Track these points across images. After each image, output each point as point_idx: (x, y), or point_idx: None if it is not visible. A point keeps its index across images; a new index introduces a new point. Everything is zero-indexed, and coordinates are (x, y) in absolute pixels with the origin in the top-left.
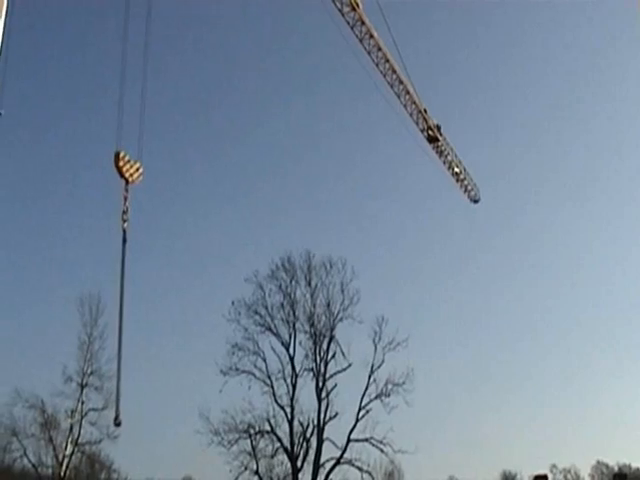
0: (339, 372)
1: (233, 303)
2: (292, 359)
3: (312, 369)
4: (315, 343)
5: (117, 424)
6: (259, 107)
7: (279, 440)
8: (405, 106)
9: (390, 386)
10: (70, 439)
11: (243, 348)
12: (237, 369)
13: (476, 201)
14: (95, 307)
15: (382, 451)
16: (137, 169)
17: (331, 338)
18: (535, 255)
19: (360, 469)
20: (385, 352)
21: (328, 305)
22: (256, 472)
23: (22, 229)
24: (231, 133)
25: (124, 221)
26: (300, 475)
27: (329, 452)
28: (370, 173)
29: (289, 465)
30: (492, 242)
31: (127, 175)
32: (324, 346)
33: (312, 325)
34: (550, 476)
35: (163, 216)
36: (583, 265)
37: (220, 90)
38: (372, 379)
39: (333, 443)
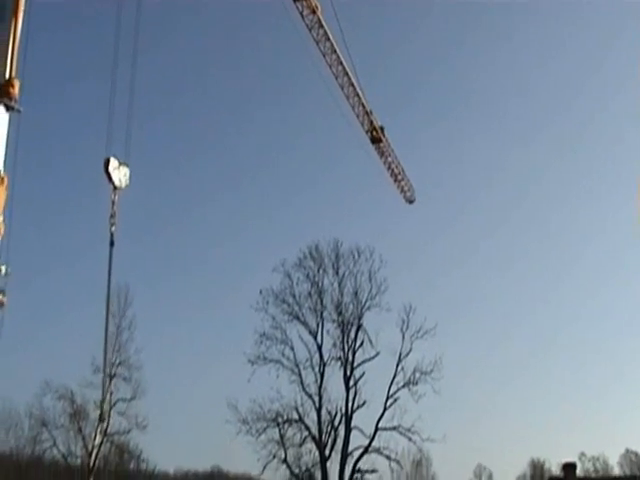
0: (367, 361)
1: (261, 292)
2: (320, 348)
3: (340, 358)
4: (343, 332)
5: (102, 420)
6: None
7: (307, 429)
8: (353, 107)
9: (418, 374)
10: (99, 429)
11: (271, 337)
12: (265, 358)
13: (411, 201)
14: (123, 298)
15: (410, 439)
16: (124, 174)
17: (359, 326)
18: (569, 243)
19: (388, 457)
20: (413, 340)
21: (356, 293)
22: (284, 461)
23: (52, 222)
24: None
25: (112, 224)
26: (328, 464)
27: (357, 441)
28: None
29: (317, 454)
30: (529, 232)
31: (116, 180)
32: (352, 335)
33: (340, 314)
34: (579, 464)
35: (190, 209)
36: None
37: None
38: (400, 367)
39: (361, 432)
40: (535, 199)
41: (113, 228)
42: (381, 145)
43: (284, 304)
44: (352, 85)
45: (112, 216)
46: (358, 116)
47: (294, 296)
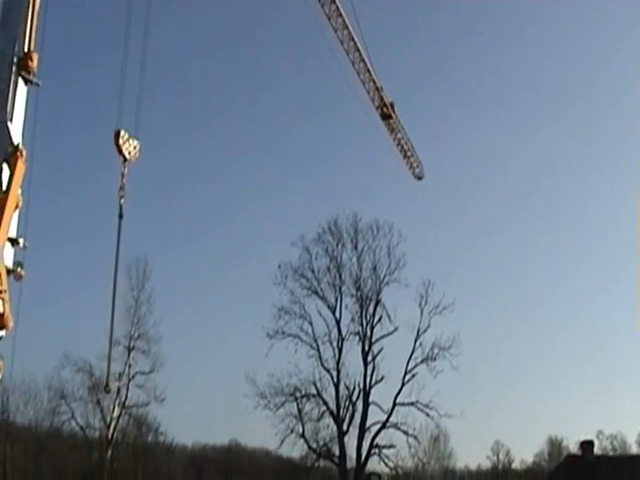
0: (385, 336)
1: (280, 267)
2: (338, 323)
3: (358, 333)
4: (361, 307)
5: (107, 391)
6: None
7: (325, 403)
8: (364, 83)
9: (436, 350)
10: (117, 402)
11: (289, 312)
12: (283, 332)
13: (420, 178)
14: (142, 271)
15: (428, 415)
16: (134, 147)
17: (377, 302)
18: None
19: (406, 433)
20: (431, 316)
21: (374, 269)
22: (302, 435)
23: (70, 194)
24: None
25: (121, 197)
26: (346, 438)
27: (375, 416)
28: None
29: (335, 428)
30: (549, 208)
31: (126, 153)
32: (370, 310)
33: (358, 289)
34: (596, 442)
35: (212, 182)
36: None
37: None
38: (418, 343)
39: (379, 407)
40: (550, 181)
41: (122, 200)
42: (391, 121)
43: (303, 279)
44: (363, 61)
45: (121, 188)
46: (369, 92)
47: (313, 271)
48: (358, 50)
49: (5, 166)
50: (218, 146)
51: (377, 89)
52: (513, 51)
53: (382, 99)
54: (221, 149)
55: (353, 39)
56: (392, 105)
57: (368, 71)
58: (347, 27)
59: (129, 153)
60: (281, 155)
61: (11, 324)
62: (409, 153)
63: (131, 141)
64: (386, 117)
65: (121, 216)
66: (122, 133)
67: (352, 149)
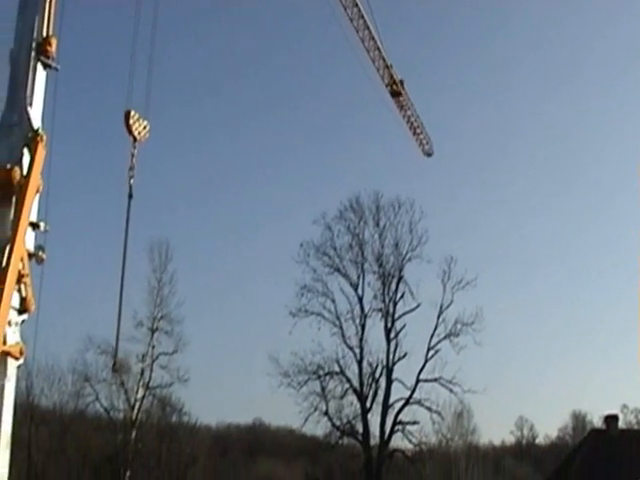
0: (408, 312)
1: (302, 245)
2: (361, 300)
3: (381, 310)
4: (384, 284)
5: (115, 370)
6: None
7: (348, 381)
8: (373, 61)
9: (459, 326)
10: (141, 383)
11: (312, 289)
12: (306, 311)
13: (429, 154)
14: (164, 253)
15: (451, 391)
16: (144, 127)
17: (400, 278)
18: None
19: (429, 409)
20: (454, 292)
21: (396, 245)
22: (325, 413)
23: (95, 175)
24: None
25: (130, 177)
26: (369, 416)
27: (398, 392)
28: None
29: (358, 406)
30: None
31: (135, 133)
32: (393, 286)
33: (380, 265)
34: (621, 416)
35: (234, 162)
36: None
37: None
38: (441, 319)
39: (402, 383)
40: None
41: (132, 180)
42: (400, 99)
43: (325, 256)
44: (373, 39)
45: (131, 169)
46: (378, 69)
47: (335, 248)
48: (368, 28)
49: (26, 151)
50: (236, 124)
51: (387, 67)
52: (520, 20)
53: (392, 76)
54: (238, 128)
55: (363, 16)
56: (402, 82)
57: (378, 49)
58: (357, 4)
59: (139, 133)
60: (297, 133)
61: (33, 308)
62: (418, 130)
63: (141, 121)
64: (396, 94)
65: (131, 196)
66: (132, 113)
67: (357, 126)
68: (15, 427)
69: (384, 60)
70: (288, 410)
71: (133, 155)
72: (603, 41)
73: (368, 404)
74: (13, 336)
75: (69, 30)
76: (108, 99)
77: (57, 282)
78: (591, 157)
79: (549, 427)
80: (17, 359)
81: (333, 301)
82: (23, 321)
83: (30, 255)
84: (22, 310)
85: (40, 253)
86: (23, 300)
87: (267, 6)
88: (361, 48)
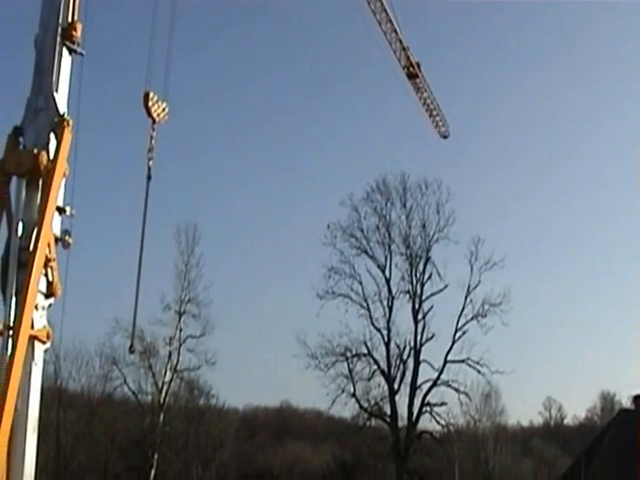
0: (435, 293)
1: (329, 227)
2: (388, 281)
3: (408, 291)
4: (411, 265)
5: (131, 352)
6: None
7: (376, 362)
8: (390, 43)
9: (486, 307)
10: (169, 366)
11: (339, 271)
12: (334, 292)
13: (445, 137)
14: (192, 236)
15: (479, 372)
16: (163, 109)
17: (427, 259)
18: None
19: (457, 390)
20: (481, 272)
21: (424, 226)
22: (353, 395)
23: (120, 161)
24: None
25: (149, 159)
26: (397, 397)
27: (426, 374)
28: None
29: (386, 387)
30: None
31: (155, 115)
32: (420, 268)
33: (408, 247)
34: None
35: (262, 146)
36: None
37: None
38: (468, 300)
39: (430, 365)
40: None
41: (151, 162)
42: (417, 81)
43: (352, 238)
44: (390, 22)
45: (150, 150)
46: (395, 52)
47: (362, 230)
48: (385, 11)
49: (52, 136)
50: (265, 110)
51: (404, 49)
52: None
53: (409, 58)
54: (268, 114)
55: (385, 9)
56: (418, 65)
57: (395, 31)
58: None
59: (158, 115)
60: (326, 117)
61: (59, 292)
62: (435, 112)
63: (160, 103)
64: (412, 76)
65: (149, 177)
66: (151, 95)
67: (392, 110)
68: (43, 411)
69: (401, 42)
70: (315, 392)
71: (152, 137)
72: None
73: (396, 386)
74: (40, 320)
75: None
76: (128, 86)
77: (85, 266)
78: (625, 139)
79: (577, 407)
80: (44, 343)
81: (360, 283)
82: (50, 305)
83: (56, 239)
84: (49, 294)
85: (67, 237)
86: (50, 284)
87: None
88: (379, 32)
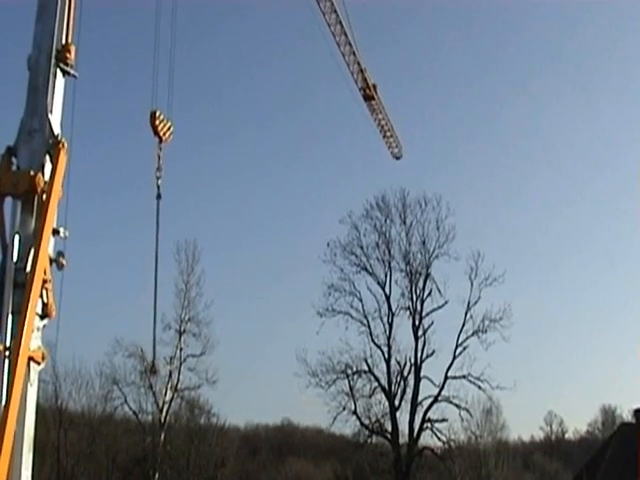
0: (435, 310)
1: (328, 244)
2: (388, 298)
3: (408, 307)
4: (411, 281)
5: (153, 372)
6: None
7: (377, 379)
8: (349, 65)
9: (487, 322)
10: (169, 385)
11: (339, 289)
12: (334, 310)
13: (398, 158)
14: (191, 254)
15: (480, 388)
16: (169, 128)
17: (427, 276)
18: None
19: (458, 406)
20: (481, 288)
21: (423, 243)
22: (354, 412)
23: (119, 176)
24: None
25: (158, 178)
26: (398, 414)
27: (427, 390)
28: None
29: (387, 404)
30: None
31: (161, 134)
32: (420, 284)
33: (408, 263)
34: None
35: (258, 163)
36: None
37: None
38: (469, 316)
39: (430, 381)
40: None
41: (159, 181)
42: (373, 103)
43: (352, 255)
44: (349, 44)
45: (158, 169)
46: (353, 73)
47: (362, 247)
48: (345, 34)
49: (47, 158)
50: (260, 123)
51: (361, 70)
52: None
53: (365, 80)
54: (265, 126)
55: (340, 22)
56: (375, 86)
57: (353, 53)
58: (335, 11)
59: (164, 134)
60: (324, 131)
61: (54, 313)
62: (388, 133)
63: (165, 121)
64: (368, 98)
65: (159, 196)
66: (158, 113)
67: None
68: (44, 431)
69: (359, 64)
70: (316, 410)
71: (159, 156)
72: None
73: (397, 402)
74: (35, 341)
75: (87, 36)
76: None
77: (84, 286)
78: (621, 147)
79: (578, 422)
80: (39, 364)
81: (360, 300)
82: (44, 326)
83: (51, 261)
84: (43, 315)
85: (61, 259)
86: (45, 305)
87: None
88: (337, 52)
